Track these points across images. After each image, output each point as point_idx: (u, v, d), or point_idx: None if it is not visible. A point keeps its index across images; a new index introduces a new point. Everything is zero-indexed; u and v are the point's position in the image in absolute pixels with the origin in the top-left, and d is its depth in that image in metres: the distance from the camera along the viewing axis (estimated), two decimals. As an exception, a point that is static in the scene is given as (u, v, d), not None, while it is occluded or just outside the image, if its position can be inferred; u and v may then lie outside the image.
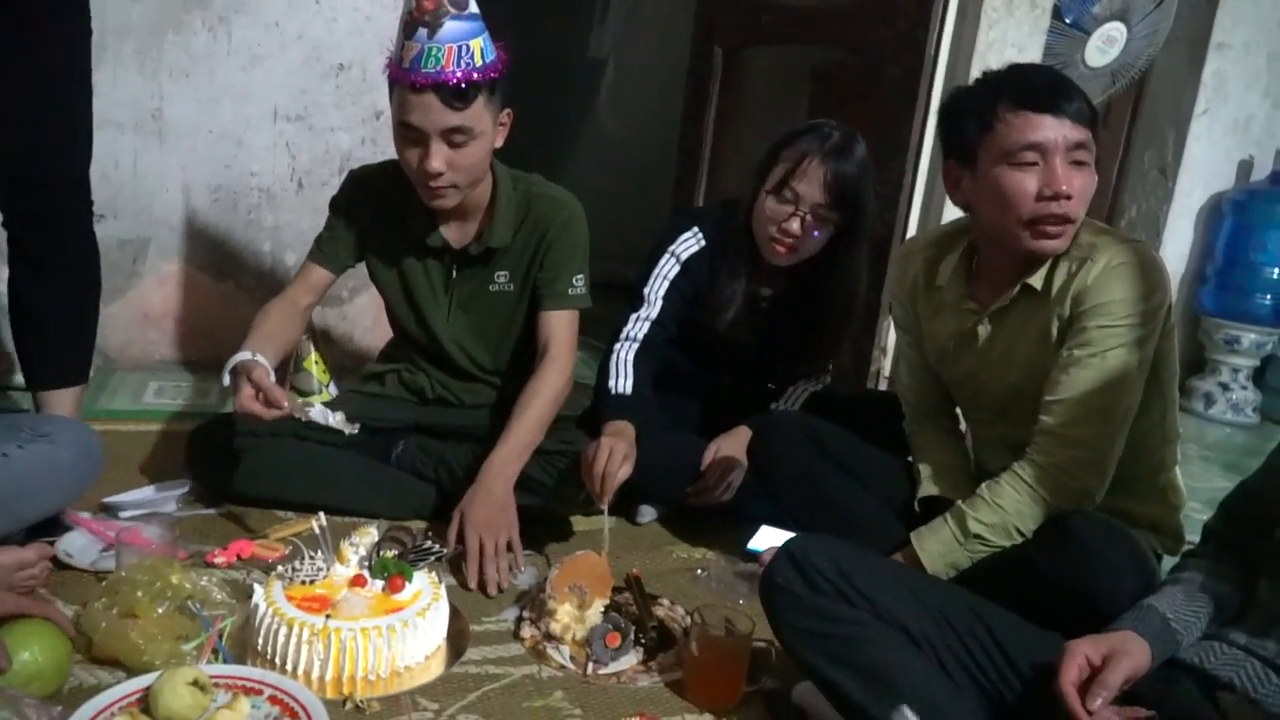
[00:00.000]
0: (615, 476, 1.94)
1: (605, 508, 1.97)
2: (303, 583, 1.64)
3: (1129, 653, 1.27)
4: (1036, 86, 1.68)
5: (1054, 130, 1.64)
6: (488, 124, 1.95)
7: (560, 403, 2.11)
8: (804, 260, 2.28)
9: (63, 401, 2.21)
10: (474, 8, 1.89)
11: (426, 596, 1.65)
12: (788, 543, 1.55)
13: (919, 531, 1.77)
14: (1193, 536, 1.83)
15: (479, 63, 1.88)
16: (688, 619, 1.81)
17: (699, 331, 2.36)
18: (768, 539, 2.13)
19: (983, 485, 1.76)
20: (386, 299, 2.27)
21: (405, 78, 1.87)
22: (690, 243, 2.34)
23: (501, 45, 1.94)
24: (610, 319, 2.37)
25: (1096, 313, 1.67)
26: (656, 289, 2.33)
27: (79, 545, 1.83)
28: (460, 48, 1.85)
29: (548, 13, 5.23)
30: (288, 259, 3.15)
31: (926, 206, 3.05)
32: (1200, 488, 3.12)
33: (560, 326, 2.16)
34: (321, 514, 1.73)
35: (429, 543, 1.86)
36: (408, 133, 1.93)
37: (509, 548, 1.93)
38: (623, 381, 2.25)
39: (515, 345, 2.27)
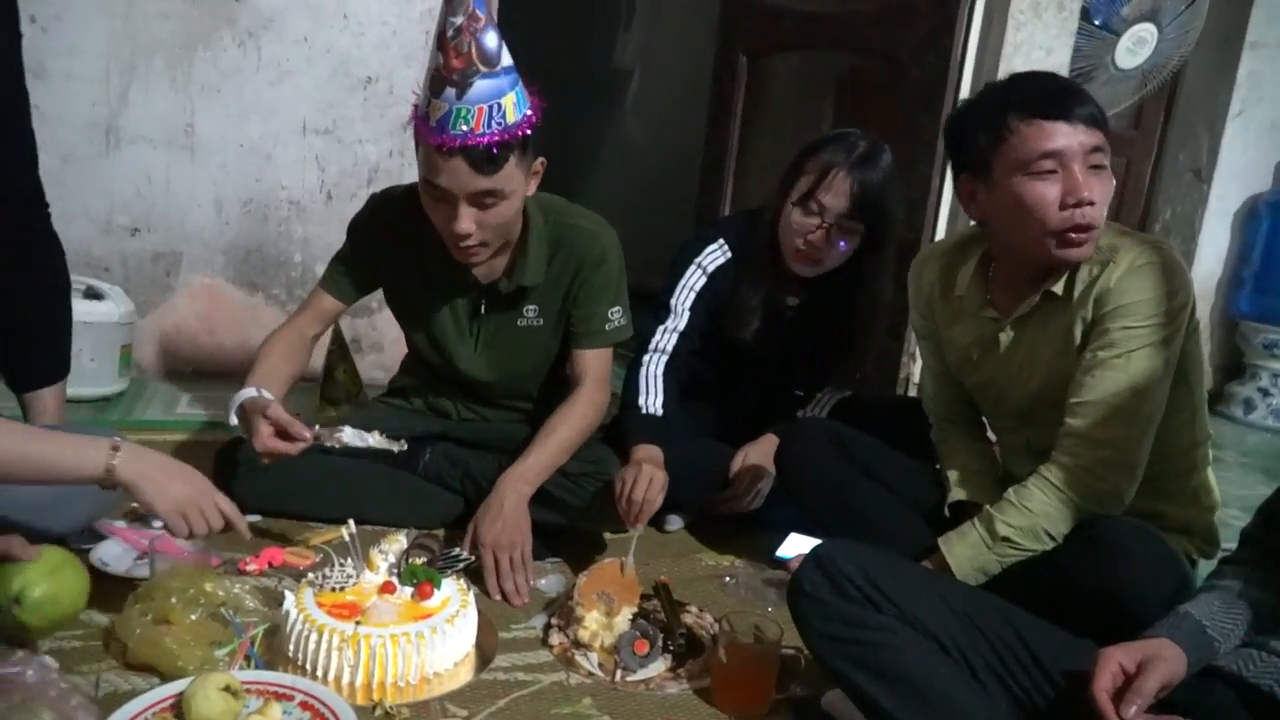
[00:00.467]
0: (654, 504, 1.93)
1: (636, 531, 1.93)
2: (333, 589, 1.65)
3: (1164, 660, 1.25)
4: (1045, 94, 1.66)
5: (1069, 137, 1.62)
6: (519, 182, 1.87)
7: (588, 434, 2.07)
8: (829, 269, 2.28)
9: (45, 398, 2.24)
10: (506, 60, 1.78)
11: (455, 604, 1.66)
12: (815, 549, 1.54)
13: (947, 537, 1.76)
14: (1231, 543, 1.81)
15: (510, 121, 1.77)
16: (716, 626, 1.80)
17: (724, 341, 2.35)
18: (796, 546, 2.12)
19: (1010, 489, 1.74)
20: (404, 327, 2.22)
21: (433, 139, 1.77)
22: (716, 254, 2.34)
23: (535, 91, 1.84)
24: (636, 328, 2.37)
25: (1119, 314, 1.66)
26: (683, 300, 2.32)
27: (113, 554, 1.85)
28: (491, 108, 1.75)
29: (572, 22, 5.27)
30: (318, 270, 3.16)
31: (954, 211, 3.04)
32: (1239, 494, 3.09)
33: (595, 363, 2.12)
34: (351, 521, 1.73)
35: (457, 550, 1.85)
36: (434, 192, 1.85)
37: (522, 561, 1.91)
38: (653, 399, 2.23)
39: (547, 373, 2.24)
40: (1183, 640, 1.29)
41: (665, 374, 2.27)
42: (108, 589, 1.75)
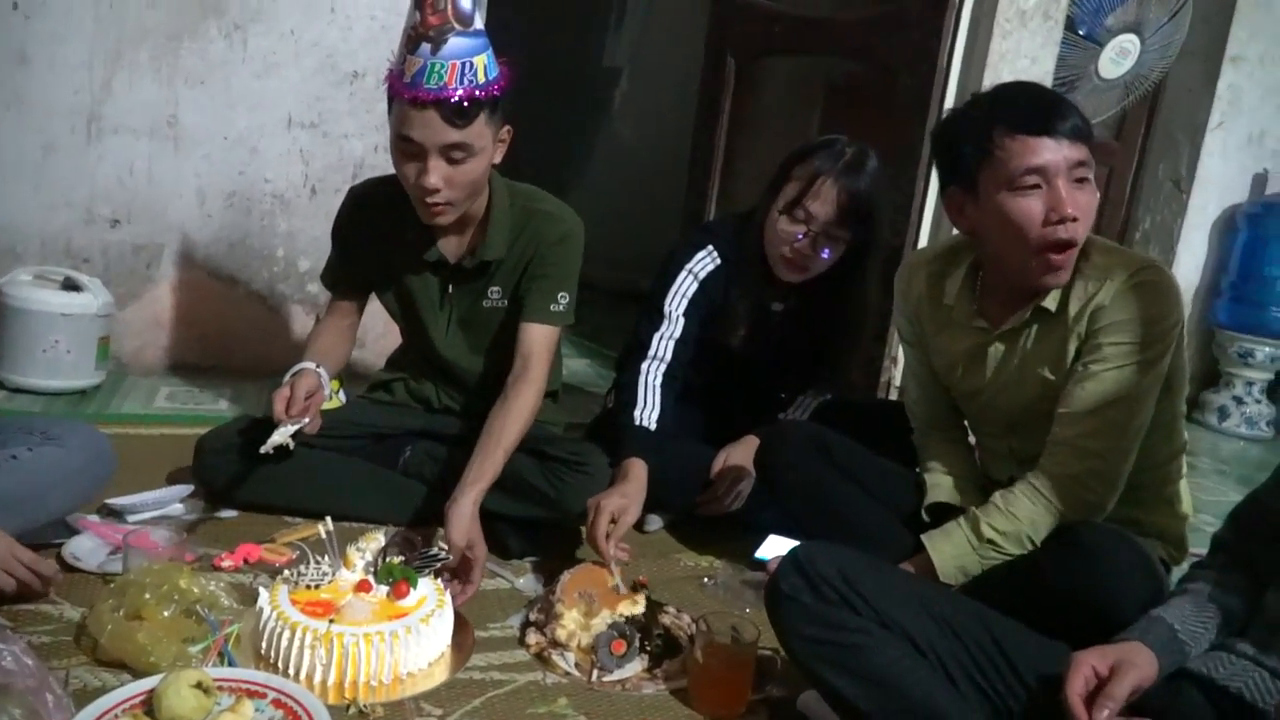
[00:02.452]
0: (616, 537, 1.93)
1: (614, 567, 1.89)
2: (308, 587, 1.64)
3: (1136, 664, 1.27)
4: (1030, 108, 1.67)
5: (1054, 152, 1.63)
6: (488, 141, 1.93)
7: (532, 419, 2.04)
8: (815, 275, 2.28)
9: None
10: (479, 24, 1.87)
11: (431, 603, 1.65)
12: (794, 550, 1.54)
13: (931, 534, 1.77)
14: (1198, 547, 1.83)
15: (482, 80, 1.85)
16: (693, 627, 1.80)
17: (711, 346, 2.35)
18: (775, 548, 2.12)
19: (996, 494, 1.76)
20: (389, 311, 2.27)
21: (407, 92, 1.85)
22: (706, 261, 2.33)
23: (505, 62, 1.91)
24: (618, 326, 2.37)
25: (1112, 330, 1.68)
26: (677, 306, 2.31)
27: (86, 548, 1.84)
28: (464, 65, 1.83)
29: (562, 21, 5.27)
30: (300, 265, 3.16)
31: (938, 217, 3.05)
32: (1213, 501, 3.11)
33: (540, 341, 2.10)
34: (329, 519, 1.72)
35: (435, 549, 1.85)
36: (406, 146, 1.91)
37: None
38: (648, 412, 2.22)
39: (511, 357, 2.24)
40: (1154, 644, 1.30)
41: (664, 385, 2.25)
42: (79, 584, 1.75)
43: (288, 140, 3.07)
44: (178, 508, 2.10)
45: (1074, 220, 1.64)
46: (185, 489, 2.15)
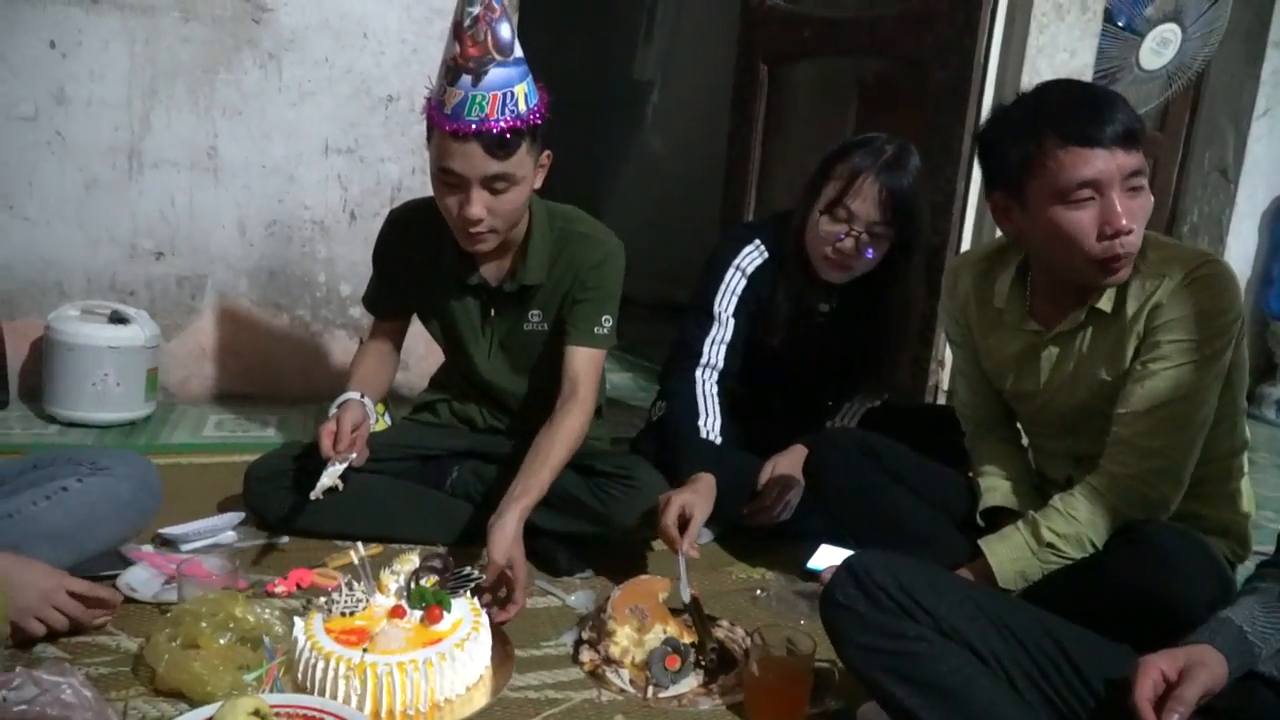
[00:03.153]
0: (694, 531, 1.92)
1: (682, 559, 1.89)
2: (342, 614, 1.60)
3: (1205, 666, 1.23)
4: (1080, 114, 1.60)
5: (1106, 162, 1.58)
6: (528, 169, 1.93)
7: (580, 443, 2.04)
8: (859, 275, 2.25)
9: None
10: (519, 52, 1.85)
11: (466, 625, 1.61)
12: (848, 559, 1.52)
13: (988, 539, 1.74)
14: (1262, 545, 1.79)
15: (523, 109, 1.85)
16: (748, 640, 1.78)
17: (757, 351, 2.33)
18: (827, 557, 2.10)
19: (1055, 496, 1.73)
20: (431, 334, 2.27)
21: (448, 125, 1.84)
22: (754, 255, 2.31)
23: (543, 86, 1.91)
24: (658, 339, 2.36)
25: (1171, 328, 1.64)
26: (726, 306, 2.29)
27: (141, 579, 1.85)
28: (505, 95, 1.82)
29: (592, 35, 5.28)
30: (342, 290, 3.18)
31: (980, 214, 3.01)
32: (1273, 496, 3.05)
33: (586, 364, 2.10)
34: (360, 544, 1.71)
35: (467, 569, 1.79)
36: (447, 178, 1.90)
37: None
38: (713, 423, 2.20)
39: (554, 378, 2.22)
40: (1224, 646, 1.27)
41: (720, 394, 2.23)
42: (135, 614, 1.76)
43: (325, 167, 3.09)
44: (230, 535, 2.11)
45: (1129, 233, 1.60)
46: (237, 516, 2.17)
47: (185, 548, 2.02)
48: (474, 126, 1.82)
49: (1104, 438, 1.72)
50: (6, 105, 2.81)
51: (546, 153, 1.98)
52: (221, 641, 1.55)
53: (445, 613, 1.61)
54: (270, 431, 2.91)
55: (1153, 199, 1.66)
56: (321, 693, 1.51)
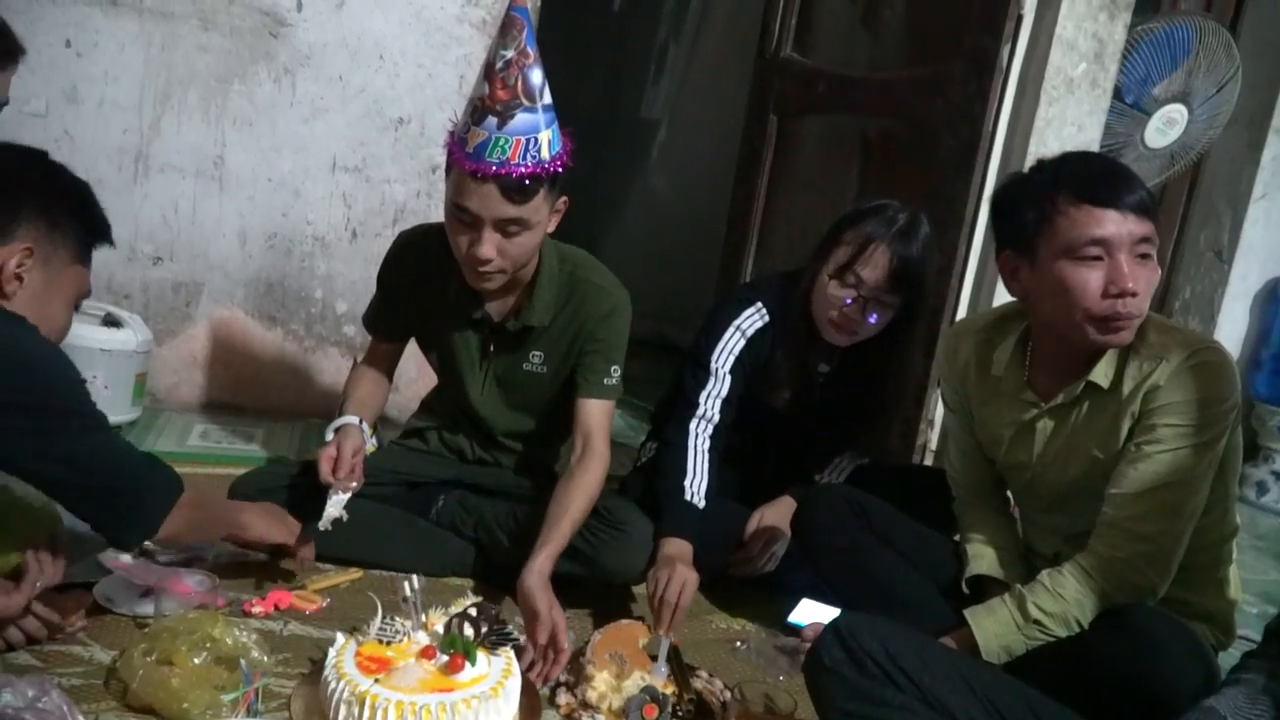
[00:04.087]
0: (685, 610, 1.90)
1: (665, 635, 1.84)
2: (379, 641, 1.57)
3: (1189, 756, 1.23)
4: (1098, 177, 1.65)
5: (1118, 225, 1.61)
6: (543, 215, 1.93)
7: (597, 497, 2.04)
8: (862, 339, 2.26)
9: None
10: (548, 99, 1.85)
11: (487, 684, 1.51)
12: (836, 621, 1.52)
13: (974, 610, 1.73)
14: (1244, 629, 1.79)
15: (545, 156, 1.84)
16: (726, 693, 1.77)
17: (753, 405, 2.32)
18: (809, 613, 2.09)
19: (1043, 573, 1.73)
20: (429, 361, 2.27)
21: (469, 164, 1.83)
22: (754, 318, 2.30)
23: (569, 133, 1.91)
24: (652, 377, 2.35)
25: (1167, 411, 1.65)
26: (723, 363, 2.27)
27: (119, 590, 1.83)
28: (528, 140, 1.82)
29: (600, 71, 5.31)
30: (338, 307, 3.17)
31: (979, 280, 3.03)
32: (1252, 579, 3.05)
33: (600, 417, 2.11)
34: (415, 576, 1.66)
35: (511, 627, 1.69)
36: (462, 215, 1.89)
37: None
38: (698, 483, 2.17)
39: (551, 417, 2.24)
40: (1208, 736, 1.26)
41: (711, 450, 2.21)
42: (111, 626, 1.74)
43: (331, 184, 3.09)
44: (208, 547, 2.08)
45: (1134, 295, 1.61)
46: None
47: (163, 558, 1.99)
48: (494, 169, 1.81)
49: (1094, 516, 1.72)
50: (18, 100, 2.79)
51: (563, 199, 1.98)
52: (197, 661, 1.53)
53: (469, 664, 1.53)
54: (254, 446, 2.89)
55: (1159, 273, 1.67)
56: (329, 711, 1.47)
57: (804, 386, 2.33)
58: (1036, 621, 1.66)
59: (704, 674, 1.85)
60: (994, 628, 1.69)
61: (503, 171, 1.81)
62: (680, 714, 1.71)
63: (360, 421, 2.07)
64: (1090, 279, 1.63)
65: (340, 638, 1.57)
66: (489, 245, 1.89)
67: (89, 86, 2.85)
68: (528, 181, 1.83)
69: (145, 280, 3.01)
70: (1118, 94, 3.08)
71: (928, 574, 1.99)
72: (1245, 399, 4.15)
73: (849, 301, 2.18)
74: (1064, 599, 1.66)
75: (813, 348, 2.31)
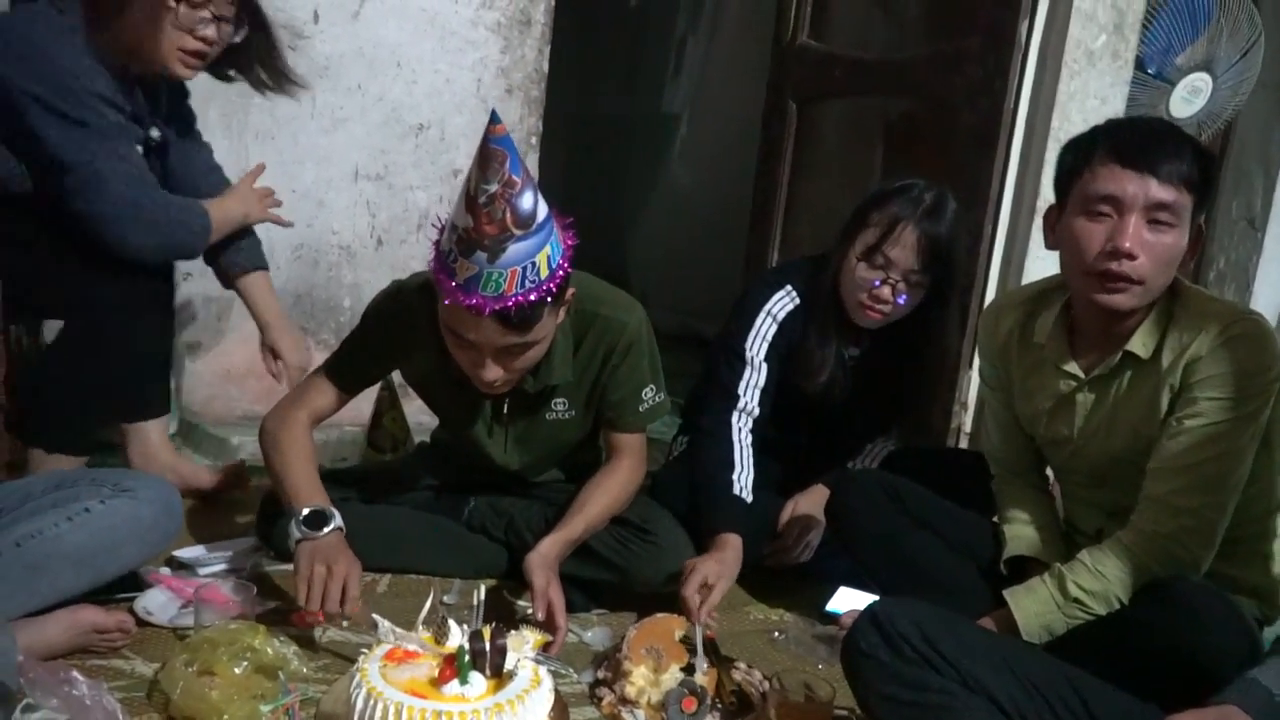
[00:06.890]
0: (712, 603, 1.89)
1: (699, 626, 1.83)
2: (423, 627, 1.52)
3: (1232, 727, 1.21)
4: (1133, 140, 1.64)
5: (1135, 186, 1.60)
6: (550, 328, 1.78)
7: (624, 506, 2.01)
8: (892, 321, 2.24)
9: (149, 431, 2.41)
10: (543, 213, 1.63)
11: (462, 707, 1.36)
12: (871, 606, 1.51)
13: (1013, 590, 1.72)
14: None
15: (544, 275, 1.64)
16: (765, 684, 1.76)
17: (785, 392, 2.30)
18: (846, 600, 2.08)
19: (1084, 551, 1.71)
20: (435, 414, 2.18)
21: (460, 297, 1.63)
22: (785, 301, 2.28)
23: (569, 224, 1.72)
24: (679, 371, 2.33)
25: (1209, 384, 1.63)
26: (758, 350, 2.24)
27: (158, 602, 1.85)
28: (525, 268, 1.61)
29: (621, 68, 5.31)
30: (366, 315, 3.19)
31: (1007, 257, 3.00)
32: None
33: (633, 443, 2.05)
34: (483, 586, 1.68)
35: (541, 655, 1.64)
36: (460, 342, 1.75)
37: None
38: (745, 477, 2.14)
39: (582, 444, 2.19)
40: (1251, 707, 1.26)
41: (754, 444, 2.19)
42: (152, 639, 1.76)
43: (354, 193, 3.11)
44: (243, 560, 2.10)
45: (1130, 257, 1.60)
46: (250, 541, 2.17)
47: (202, 571, 2.02)
48: (489, 306, 1.63)
49: (1137, 491, 1.70)
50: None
51: (570, 290, 1.80)
52: (237, 671, 1.54)
53: (460, 683, 1.38)
54: (290, 456, 2.90)
55: (1180, 245, 1.64)
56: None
57: (836, 371, 2.30)
58: (1077, 600, 1.65)
59: (742, 665, 1.85)
60: (1034, 607, 1.67)
61: (499, 306, 1.63)
62: (720, 706, 1.70)
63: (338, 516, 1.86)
64: (1095, 234, 1.64)
65: (384, 625, 1.49)
66: (494, 371, 1.76)
67: (112, 108, 2.87)
68: (529, 310, 1.66)
69: (177, 296, 3.04)
70: (1140, 65, 3.04)
71: (966, 555, 1.98)
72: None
73: (877, 284, 2.16)
74: (1105, 577, 1.65)
75: (842, 332, 2.29)
